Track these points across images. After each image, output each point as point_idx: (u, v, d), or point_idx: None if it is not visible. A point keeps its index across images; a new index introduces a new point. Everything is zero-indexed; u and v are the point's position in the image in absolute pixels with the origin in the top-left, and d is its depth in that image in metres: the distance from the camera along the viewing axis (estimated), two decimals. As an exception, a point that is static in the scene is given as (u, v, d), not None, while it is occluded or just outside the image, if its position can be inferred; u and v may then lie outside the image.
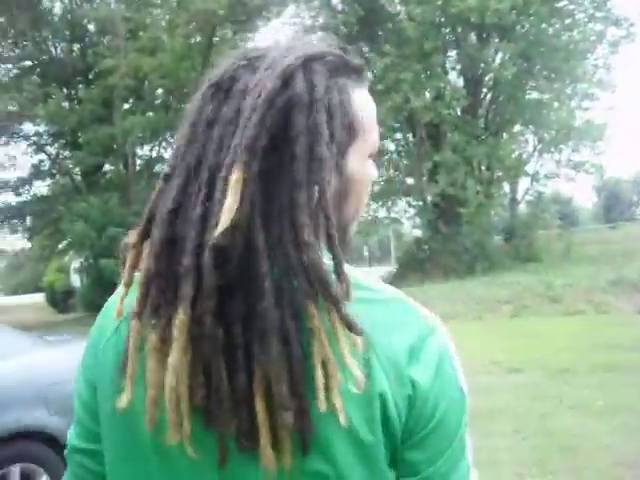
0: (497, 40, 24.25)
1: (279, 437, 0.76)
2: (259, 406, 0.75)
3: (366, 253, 68.08)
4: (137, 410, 0.81)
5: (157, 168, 27.34)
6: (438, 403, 0.83)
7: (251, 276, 0.76)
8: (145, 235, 0.84)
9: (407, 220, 31.45)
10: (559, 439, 5.55)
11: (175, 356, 0.75)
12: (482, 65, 24.71)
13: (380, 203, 29.33)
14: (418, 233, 30.73)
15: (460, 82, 27.19)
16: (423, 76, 24.26)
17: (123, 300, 0.86)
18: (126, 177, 26.68)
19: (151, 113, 25.59)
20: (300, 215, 0.77)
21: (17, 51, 29.69)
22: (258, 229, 0.76)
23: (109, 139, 24.57)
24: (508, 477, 4.79)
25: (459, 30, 25.21)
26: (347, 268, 0.83)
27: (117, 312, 0.87)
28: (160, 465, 0.84)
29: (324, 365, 0.75)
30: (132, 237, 0.85)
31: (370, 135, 0.93)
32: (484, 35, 24.77)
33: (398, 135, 29.22)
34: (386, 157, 30.16)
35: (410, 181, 28.46)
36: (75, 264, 31.14)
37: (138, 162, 28.99)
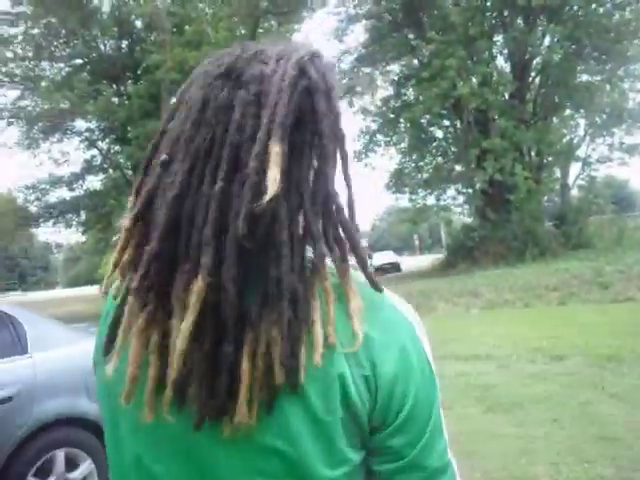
0: (545, 22, 23.79)
1: (252, 399, 0.79)
2: (244, 370, 0.79)
3: (416, 241, 67.85)
4: (116, 381, 0.85)
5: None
6: (407, 385, 0.86)
7: (271, 243, 0.80)
8: (140, 218, 0.86)
9: (456, 207, 31.19)
10: (598, 428, 5.45)
11: (188, 322, 0.78)
12: (529, 49, 24.28)
13: (429, 191, 29.14)
14: (467, 220, 30.46)
15: (507, 67, 26.80)
16: (469, 62, 23.96)
17: (110, 278, 0.90)
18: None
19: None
20: (330, 186, 0.86)
21: (68, 50, 30.31)
22: (283, 200, 0.80)
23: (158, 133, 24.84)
24: (542, 466, 4.74)
25: (505, 14, 24.80)
26: None
27: (104, 287, 0.92)
28: (131, 434, 0.89)
29: (324, 325, 0.81)
30: (126, 221, 0.87)
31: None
32: (531, 18, 24.31)
33: (445, 122, 28.96)
34: (434, 144, 29.93)
35: (458, 168, 28.18)
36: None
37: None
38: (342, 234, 0.87)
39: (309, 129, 0.85)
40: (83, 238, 36.87)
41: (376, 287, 0.88)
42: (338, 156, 0.87)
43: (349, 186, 0.88)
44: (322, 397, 0.81)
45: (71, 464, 4.26)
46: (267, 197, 0.76)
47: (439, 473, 0.88)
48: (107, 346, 0.88)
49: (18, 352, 4.20)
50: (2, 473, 3.81)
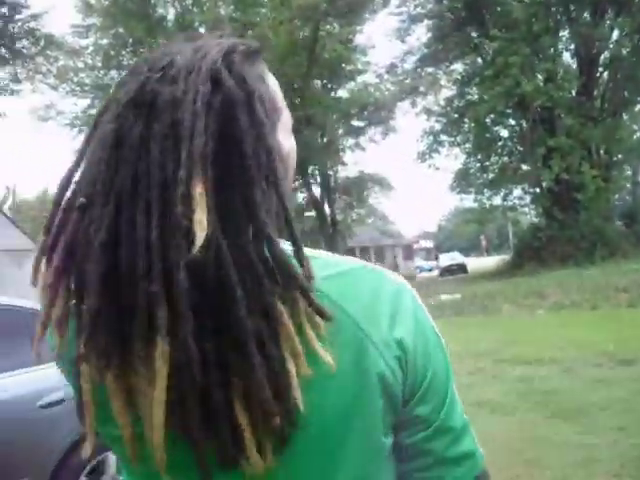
0: (612, 15, 23.15)
1: (262, 442, 0.76)
2: (241, 416, 0.75)
3: (483, 242, 66.95)
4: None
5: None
6: (427, 355, 0.86)
7: (222, 288, 0.74)
8: (62, 272, 0.79)
9: (522, 208, 30.65)
10: (667, 437, 5.25)
11: (160, 388, 0.73)
12: (597, 43, 23.66)
13: (494, 191, 28.75)
14: (535, 220, 29.90)
15: (573, 63, 26.21)
16: (534, 59, 23.51)
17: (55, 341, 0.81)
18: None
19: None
20: (259, 212, 0.75)
21: (135, 58, 31.06)
22: (221, 237, 0.74)
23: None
24: (604, 478, 4.59)
25: (571, 8, 24.24)
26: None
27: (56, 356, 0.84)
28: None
29: (295, 358, 0.76)
30: (45, 277, 0.79)
31: (286, 109, 0.95)
32: (598, 11, 23.69)
33: (510, 121, 28.52)
34: (499, 144, 29.50)
35: (524, 167, 27.70)
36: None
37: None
38: (279, 267, 0.76)
39: (233, 151, 0.77)
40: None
41: (326, 318, 0.77)
42: (273, 174, 0.78)
43: (284, 207, 0.78)
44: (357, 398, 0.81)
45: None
46: (196, 246, 0.70)
47: (463, 433, 0.90)
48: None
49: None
50: (56, 474, 3.91)
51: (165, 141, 0.75)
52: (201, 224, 0.70)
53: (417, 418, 0.86)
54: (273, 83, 0.93)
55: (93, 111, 31.21)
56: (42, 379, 4.02)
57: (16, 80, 27.35)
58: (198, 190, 0.72)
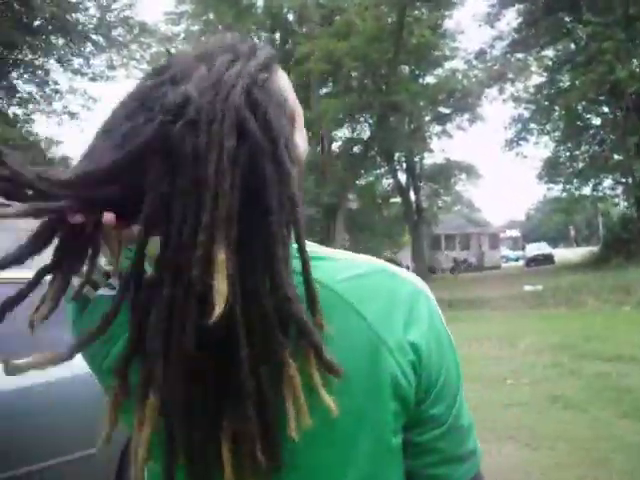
0: None
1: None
2: (226, 456, 0.77)
3: (572, 233, 65.03)
4: None
5: (356, 149, 28.04)
6: (440, 357, 0.87)
7: (228, 347, 0.73)
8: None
9: (613, 198, 29.62)
10: None
11: (146, 433, 0.76)
12: (696, 27, 22.49)
13: (584, 181, 27.90)
14: (626, 212, 28.86)
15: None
16: (628, 44, 22.56)
17: None
18: (322, 158, 27.57)
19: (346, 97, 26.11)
20: (279, 268, 0.73)
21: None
22: (239, 301, 0.72)
23: (306, 122, 25.47)
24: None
25: (670, -9, 23.11)
26: (318, 247, 0.88)
27: None
28: None
29: (298, 410, 0.76)
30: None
31: (298, 106, 0.91)
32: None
33: (603, 108, 27.55)
34: (590, 132, 28.59)
35: (616, 157, 26.71)
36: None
37: (337, 143, 30.04)
38: (294, 322, 0.75)
39: (258, 207, 0.73)
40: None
41: (336, 374, 0.77)
42: (295, 220, 0.75)
43: (303, 250, 0.77)
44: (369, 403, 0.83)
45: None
46: (214, 315, 0.68)
47: (470, 430, 0.92)
48: None
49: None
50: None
51: (187, 199, 0.71)
52: (222, 294, 0.68)
53: (430, 417, 0.87)
54: (290, 87, 0.89)
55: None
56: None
57: (111, 67, 28.26)
58: (220, 256, 0.69)
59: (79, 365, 0.98)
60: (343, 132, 30.19)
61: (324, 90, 28.49)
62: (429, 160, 36.52)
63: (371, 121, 27.53)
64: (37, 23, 25.83)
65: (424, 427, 0.87)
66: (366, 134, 28.36)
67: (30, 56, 26.66)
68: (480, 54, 28.62)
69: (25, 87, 27.42)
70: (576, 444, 5.33)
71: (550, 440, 5.56)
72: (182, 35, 31.99)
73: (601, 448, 5.17)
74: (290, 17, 30.00)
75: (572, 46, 26.59)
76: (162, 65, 0.81)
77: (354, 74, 26.02)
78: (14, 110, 27.40)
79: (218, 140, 0.71)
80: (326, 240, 25.36)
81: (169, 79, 0.77)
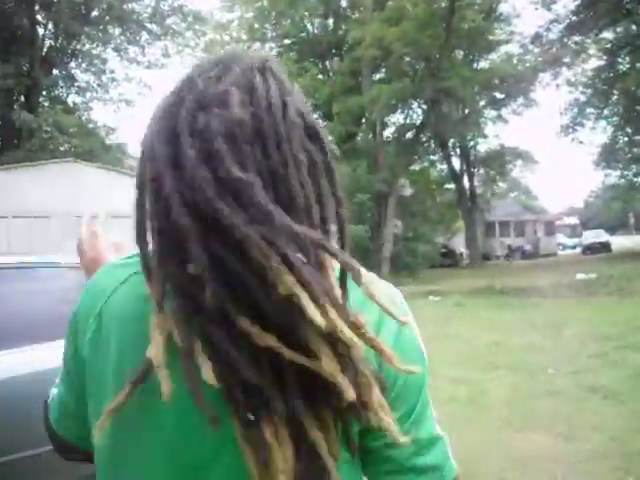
0: None
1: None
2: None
3: (631, 220, 63.31)
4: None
5: (409, 135, 27.87)
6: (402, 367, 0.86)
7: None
8: None
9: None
10: None
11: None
12: None
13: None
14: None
15: None
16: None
17: None
18: (374, 144, 27.50)
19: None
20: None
21: (278, 31, 31.71)
22: None
23: (358, 108, 25.50)
24: None
25: None
26: None
27: None
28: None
29: None
30: None
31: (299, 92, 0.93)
32: None
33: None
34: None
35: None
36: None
37: (389, 129, 29.91)
38: None
39: None
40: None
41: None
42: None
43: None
44: None
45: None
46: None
47: (432, 445, 0.93)
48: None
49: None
50: None
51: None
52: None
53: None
54: (303, 97, 0.91)
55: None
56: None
57: (166, 55, 28.70)
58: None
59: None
60: (396, 118, 30.06)
61: (377, 76, 28.38)
62: (484, 146, 36.12)
63: (424, 107, 27.33)
64: (95, 14, 26.39)
65: (376, 433, 0.87)
66: (419, 120, 28.18)
67: (88, 46, 27.29)
68: (536, 38, 28.03)
69: (83, 76, 28.13)
70: (611, 435, 5.29)
71: (586, 431, 5.52)
72: (236, 22, 32.21)
73: (637, 440, 5.11)
74: (343, 3, 29.94)
75: (632, 27, 25.81)
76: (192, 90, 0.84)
77: (406, 59, 25.81)
78: (73, 99, 28.18)
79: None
80: (377, 226, 25.36)
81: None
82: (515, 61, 27.92)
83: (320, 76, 29.64)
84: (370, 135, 28.14)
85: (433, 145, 31.76)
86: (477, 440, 5.56)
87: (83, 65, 27.68)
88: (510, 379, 7.71)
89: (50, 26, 26.04)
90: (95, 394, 0.93)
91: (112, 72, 28.38)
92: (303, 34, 31.64)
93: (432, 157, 34.40)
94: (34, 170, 16.02)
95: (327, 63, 30.48)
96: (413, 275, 25.02)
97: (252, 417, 0.77)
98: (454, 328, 11.89)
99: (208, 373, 0.74)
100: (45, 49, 25.69)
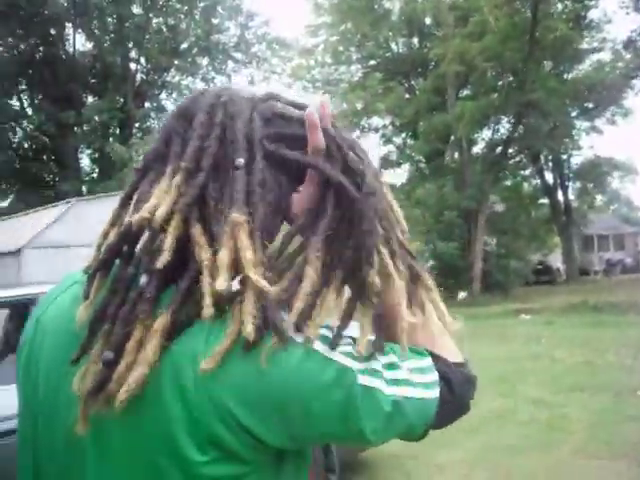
0: None
1: None
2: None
3: None
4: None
5: (497, 150, 27.38)
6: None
7: None
8: None
9: None
10: None
11: None
12: None
13: None
14: None
15: None
16: None
17: None
18: (461, 161, 27.15)
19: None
20: None
21: (362, 53, 31.89)
22: None
23: (443, 126, 25.26)
24: None
25: None
26: None
27: None
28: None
29: None
30: None
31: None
32: None
33: None
34: None
35: None
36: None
37: (478, 146, 29.47)
38: None
39: None
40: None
41: None
42: None
43: None
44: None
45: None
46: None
47: None
48: None
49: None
50: None
51: None
52: None
53: None
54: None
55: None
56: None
57: (251, 82, 29.43)
58: None
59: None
60: (485, 134, 29.57)
61: (464, 92, 28.07)
62: (578, 158, 34.92)
63: (512, 121, 26.79)
64: (183, 46, 27.39)
65: None
66: (507, 135, 27.67)
67: (177, 78, 28.39)
68: (629, 43, 26.98)
69: (172, 106, 29.11)
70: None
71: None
72: (321, 46, 32.61)
73: None
74: (427, 21, 29.81)
75: None
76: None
77: (490, 74, 25.39)
78: (164, 129, 29.14)
79: None
80: (467, 244, 24.95)
81: None
82: (607, 69, 26.93)
83: (406, 95, 29.57)
84: (457, 152, 27.80)
85: (524, 160, 31.03)
86: (550, 466, 5.36)
87: (173, 96, 28.77)
88: (595, 401, 7.38)
89: (142, 61, 27.22)
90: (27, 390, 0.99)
91: (200, 102, 29.20)
92: (388, 54, 31.69)
93: (524, 172, 33.57)
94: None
95: (412, 82, 30.37)
96: (505, 293, 24.42)
97: None
98: (542, 347, 11.54)
99: None
100: (137, 83, 26.83)
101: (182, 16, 26.42)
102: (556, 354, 10.48)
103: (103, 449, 0.86)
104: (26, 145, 26.32)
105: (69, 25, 25.85)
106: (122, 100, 25.64)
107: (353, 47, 32.19)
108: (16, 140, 26.75)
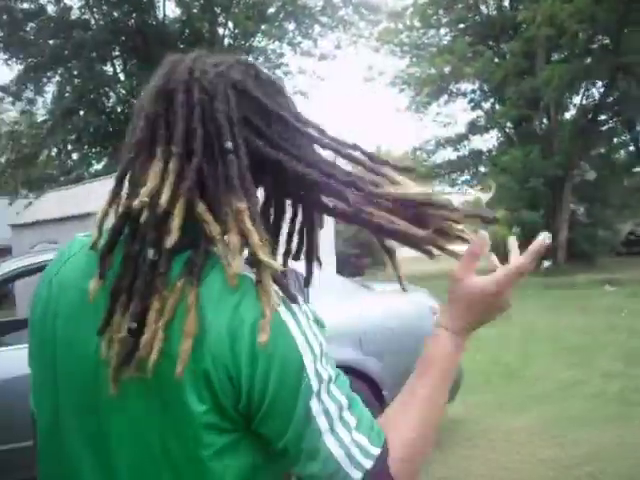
0: None
1: None
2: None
3: None
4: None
5: (589, 116, 26.37)
6: (265, 382, 0.90)
7: None
8: None
9: None
10: None
11: None
12: None
13: None
14: None
15: None
16: None
17: None
18: (549, 128, 26.36)
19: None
20: None
21: (451, 16, 31.11)
22: None
23: (531, 91, 24.53)
24: None
25: None
26: None
27: None
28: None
29: None
30: None
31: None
32: None
33: None
34: None
35: None
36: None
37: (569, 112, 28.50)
38: None
39: None
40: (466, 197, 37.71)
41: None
42: None
43: None
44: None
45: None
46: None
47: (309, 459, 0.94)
48: None
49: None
50: None
51: None
52: None
53: (260, 436, 0.96)
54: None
55: (411, 70, 32.16)
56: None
57: (338, 46, 29.25)
58: None
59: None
60: (575, 100, 28.54)
61: (555, 56, 27.09)
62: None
63: (605, 86, 25.73)
64: (270, 11, 27.44)
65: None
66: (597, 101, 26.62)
67: (264, 42, 28.53)
68: None
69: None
70: None
71: None
72: (410, 9, 32.00)
73: None
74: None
75: None
76: None
77: (581, 36, 24.34)
78: (252, 93, 29.38)
79: None
80: (552, 212, 24.35)
81: None
82: None
83: (495, 59, 28.79)
84: (545, 118, 26.98)
85: (618, 127, 29.79)
86: (614, 440, 5.32)
87: (259, 60, 28.92)
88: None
89: (230, 26, 27.46)
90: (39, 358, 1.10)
91: (286, 65, 29.41)
92: (477, 17, 30.86)
93: (617, 139, 32.23)
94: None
95: (502, 46, 29.49)
96: (591, 262, 23.79)
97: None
98: (623, 320, 11.28)
99: None
100: (224, 48, 27.10)
101: (269, -19, 26.48)
102: (635, 326, 10.23)
103: (120, 398, 0.95)
104: (119, 109, 27.09)
105: (159, -8, 26.38)
106: (211, 65, 25.93)
107: (442, 10, 31.47)
108: (109, 105, 27.62)
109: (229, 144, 0.93)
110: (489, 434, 5.70)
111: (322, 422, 0.93)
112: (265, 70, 1.08)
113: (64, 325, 1.02)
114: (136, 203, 0.90)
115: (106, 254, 0.95)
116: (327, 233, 13.55)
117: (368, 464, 0.93)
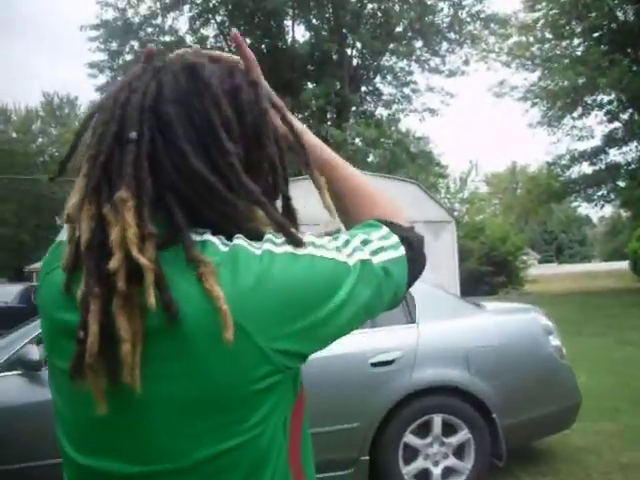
0: None
1: None
2: None
3: None
4: None
5: None
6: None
7: None
8: None
9: None
10: None
11: None
12: None
13: None
14: None
15: None
16: None
17: None
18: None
19: None
20: None
21: (584, 25, 29.95)
22: None
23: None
24: None
25: None
26: None
27: None
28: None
29: None
30: None
31: None
32: None
33: None
34: None
35: None
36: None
37: None
38: None
39: None
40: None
41: None
42: None
43: None
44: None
45: (449, 430, 4.52)
46: None
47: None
48: None
49: (406, 320, 4.64)
50: (383, 426, 4.36)
51: None
52: None
53: None
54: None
55: (543, 83, 31.28)
56: (375, 340, 4.48)
57: (466, 62, 28.89)
58: None
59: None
60: None
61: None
62: None
63: None
64: (397, 30, 27.54)
65: None
66: None
67: (392, 61, 28.66)
68: None
69: (388, 90, 29.49)
70: None
71: None
72: (541, 21, 31.12)
73: None
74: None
75: None
76: None
77: None
78: (380, 112, 29.65)
79: None
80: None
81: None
82: None
83: (633, 67, 27.39)
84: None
85: None
86: None
87: (388, 79, 29.06)
88: None
89: (358, 46, 27.81)
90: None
91: (415, 83, 29.38)
92: (613, 24, 29.52)
93: None
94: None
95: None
96: None
97: None
98: None
99: None
100: (352, 68, 27.47)
101: (395, 0, 26.57)
102: None
103: None
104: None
105: (288, 17, 27.08)
106: (338, 85, 26.35)
107: (574, 20, 30.40)
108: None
109: (133, 134, 0.88)
110: (609, 465, 5.39)
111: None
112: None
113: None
114: (64, 218, 0.90)
115: (70, 272, 0.92)
116: (449, 251, 13.36)
117: (396, 238, 1.03)
